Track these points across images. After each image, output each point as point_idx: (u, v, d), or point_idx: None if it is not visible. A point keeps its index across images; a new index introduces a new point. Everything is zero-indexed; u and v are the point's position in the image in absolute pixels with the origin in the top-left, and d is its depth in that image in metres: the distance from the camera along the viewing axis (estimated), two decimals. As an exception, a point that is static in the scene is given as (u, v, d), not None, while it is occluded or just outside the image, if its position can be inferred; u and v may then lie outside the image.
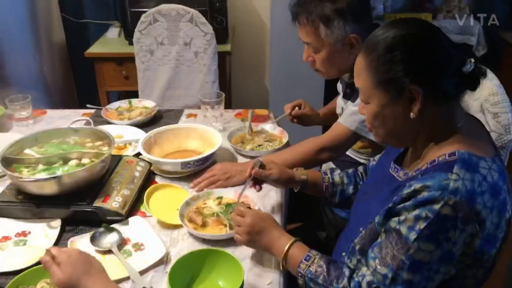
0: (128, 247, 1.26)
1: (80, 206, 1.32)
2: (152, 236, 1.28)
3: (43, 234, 1.30)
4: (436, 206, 0.89)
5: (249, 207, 1.34)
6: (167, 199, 1.42)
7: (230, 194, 1.42)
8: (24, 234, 1.31)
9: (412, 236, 0.91)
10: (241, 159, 1.67)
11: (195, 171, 1.55)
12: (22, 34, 2.85)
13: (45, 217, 1.34)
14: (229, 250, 1.14)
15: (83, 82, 3.21)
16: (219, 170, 1.52)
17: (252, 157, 1.65)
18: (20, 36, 2.83)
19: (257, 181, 1.36)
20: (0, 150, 1.40)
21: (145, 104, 2.04)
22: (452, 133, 0.99)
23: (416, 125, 1.00)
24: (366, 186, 1.26)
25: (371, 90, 1.00)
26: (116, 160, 1.52)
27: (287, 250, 1.10)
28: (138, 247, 1.26)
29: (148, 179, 1.53)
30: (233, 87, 3.52)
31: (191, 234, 1.28)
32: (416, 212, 0.90)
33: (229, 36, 3.01)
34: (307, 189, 1.39)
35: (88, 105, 2.02)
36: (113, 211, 1.32)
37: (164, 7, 2.62)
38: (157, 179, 1.55)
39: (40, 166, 1.40)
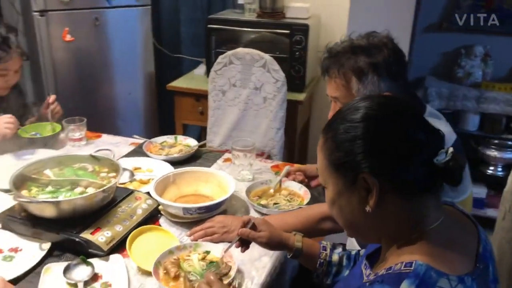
0: (96, 284, 1.24)
1: (68, 233, 1.34)
2: (123, 279, 1.25)
3: (31, 254, 1.34)
4: None
5: (228, 271, 1.25)
6: (155, 242, 1.39)
7: (219, 251, 1.35)
8: (15, 250, 1.36)
9: None
10: (254, 214, 1.59)
11: (199, 218, 1.51)
12: (113, 64, 3.11)
13: (39, 238, 1.39)
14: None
15: (165, 112, 3.38)
16: (218, 223, 1.46)
17: (263, 214, 1.57)
18: (110, 66, 3.08)
19: (245, 241, 1.28)
20: (27, 164, 1.51)
21: (188, 142, 2.06)
22: (419, 236, 0.83)
23: (376, 220, 0.85)
24: (345, 276, 1.11)
25: (326, 173, 0.88)
26: (126, 193, 1.54)
27: None
28: (105, 286, 1.24)
29: (151, 218, 1.52)
30: (311, 139, 3.44)
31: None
32: None
33: (306, 86, 2.96)
34: (300, 259, 1.27)
35: (134, 136, 2.10)
36: (97, 245, 1.32)
37: (240, 50, 2.67)
38: (161, 220, 1.54)
39: (49, 188, 1.46)
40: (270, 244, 1.25)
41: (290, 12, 2.96)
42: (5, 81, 1.96)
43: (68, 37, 2.85)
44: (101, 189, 1.41)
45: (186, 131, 3.26)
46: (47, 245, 1.36)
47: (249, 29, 2.94)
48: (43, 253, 1.34)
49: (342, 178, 0.85)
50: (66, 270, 1.26)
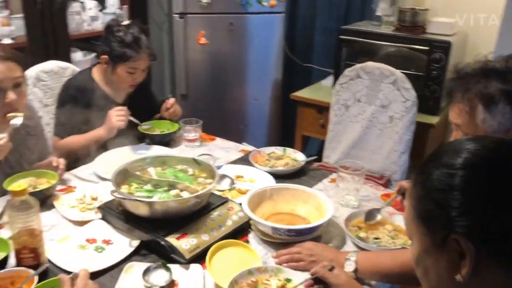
0: (170, 291, 1.22)
1: (156, 235, 1.35)
2: (197, 291, 1.21)
3: (120, 249, 1.37)
4: None
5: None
6: (237, 259, 1.33)
7: (301, 280, 1.24)
8: (107, 242, 1.41)
9: None
10: (350, 246, 1.45)
11: (289, 240, 1.41)
12: (242, 69, 3.15)
13: (131, 234, 1.42)
14: None
15: (287, 121, 3.33)
16: (307, 250, 1.34)
17: (360, 248, 1.41)
18: (240, 70, 3.13)
19: (318, 282, 1.16)
20: (132, 161, 1.57)
21: (296, 156, 1.97)
22: None
23: None
24: None
25: (411, 225, 0.73)
26: (220, 202, 1.51)
27: None
28: (178, 296, 1.21)
29: (240, 232, 1.46)
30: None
31: (231, 306, 1.16)
32: None
33: (440, 108, 2.68)
34: None
35: (244, 143, 2.07)
36: (180, 251, 1.30)
37: (370, 64, 2.51)
38: (250, 235, 1.47)
39: (147, 186, 1.49)
40: None
41: (432, 27, 2.71)
42: (133, 79, 2.07)
43: (203, 40, 2.96)
44: (194, 194, 1.40)
45: (305, 143, 3.18)
46: (136, 243, 1.38)
47: (383, 43, 2.76)
48: (131, 250, 1.36)
49: (429, 235, 0.69)
50: (146, 272, 1.26)
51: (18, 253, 1.22)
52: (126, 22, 2.08)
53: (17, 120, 1.58)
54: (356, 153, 2.61)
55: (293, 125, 3.11)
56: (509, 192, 0.64)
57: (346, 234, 1.48)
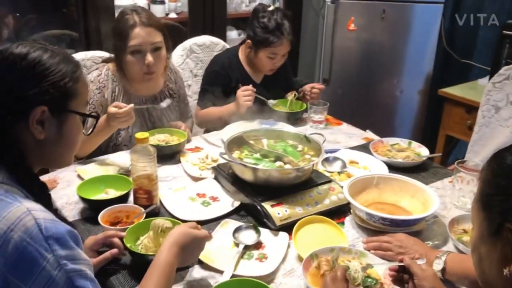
0: (255, 251, 1.30)
1: (253, 199, 1.44)
2: (279, 257, 1.27)
3: (223, 206, 1.50)
4: None
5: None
6: (325, 236, 1.35)
7: (383, 269, 1.22)
8: (214, 199, 1.54)
9: None
10: (450, 247, 1.36)
11: (383, 230, 1.38)
12: (391, 59, 3.05)
13: (234, 195, 1.53)
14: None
15: (430, 119, 3.14)
16: (397, 241, 1.30)
17: (458, 251, 1.32)
18: (388, 60, 3.04)
19: (403, 271, 1.13)
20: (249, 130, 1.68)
21: (420, 151, 1.88)
22: None
23: None
24: None
25: (474, 209, 0.69)
26: (322, 180, 1.54)
27: None
28: (262, 256, 1.29)
29: (337, 212, 1.47)
30: None
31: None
32: None
33: None
34: None
35: (368, 130, 2.04)
36: (272, 217, 1.37)
37: (530, 64, 2.23)
38: (348, 218, 1.47)
39: (256, 155, 1.58)
40: None
41: None
42: (273, 64, 2.17)
43: (352, 26, 2.94)
44: (295, 167, 1.45)
45: (449, 143, 2.97)
46: (237, 203, 1.49)
47: (554, 41, 2.42)
48: (231, 209, 1.47)
49: (487, 221, 0.65)
50: (236, 230, 1.36)
51: (135, 192, 1.42)
52: (271, 8, 2.17)
53: (165, 102, 1.86)
54: (501, 160, 2.37)
55: (438, 123, 2.92)
56: None
57: (449, 235, 1.39)
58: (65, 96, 0.95)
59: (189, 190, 1.59)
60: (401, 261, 1.15)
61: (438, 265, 1.20)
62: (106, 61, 1.94)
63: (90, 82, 1.84)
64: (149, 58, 1.77)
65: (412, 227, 1.39)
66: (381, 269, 1.22)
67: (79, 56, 2.08)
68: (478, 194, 0.69)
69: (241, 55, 2.27)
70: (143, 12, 1.81)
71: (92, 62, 2.08)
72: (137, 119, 1.90)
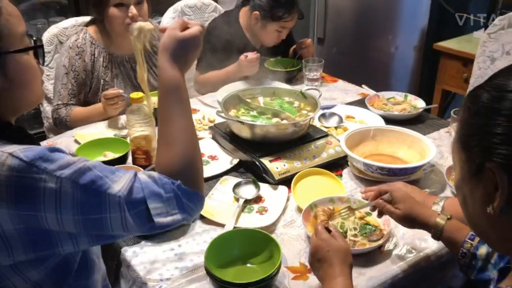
0: (255, 205, 1.32)
1: (252, 155, 1.44)
2: (278, 209, 1.29)
3: (222, 164, 1.51)
4: None
5: (380, 238, 1.16)
6: (324, 187, 1.37)
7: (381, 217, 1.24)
8: (212, 157, 1.55)
9: None
10: (448, 193, 1.38)
11: (381, 179, 1.40)
12: (385, 15, 3.01)
13: (232, 153, 1.54)
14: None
15: (426, 74, 3.13)
16: (396, 189, 1.31)
17: (455, 194, 1.34)
18: (382, 16, 3.00)
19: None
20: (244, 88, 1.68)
21: (416, 103, 1.88)
22: None
23: (502, 227, 0.63)
24: None
25: (454, 150, 0.69)
26: (320, 135, 1.54)
27: None
28: (261, 210, 1.31)
29: (335, 165, 1.49)
30: None
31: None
32: None
33: None
34: (442, 240, 1.06)
35: (363, 86, 2.03)
36: (271, 172, 1.39)
37: (527, 12, 2.21)
38: (345, 171, 1.49)
39: (253, 113, 1.59)
40: (405, 221, 1.10)
41: None
42: (278, 37, 2.14)
43: (345, -17, 2.89)
44: (292, 122, 1.46)
45: (446, 98, 2.98)
46: (235, 161, 1.50)
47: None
48: (230, 166, 1.49)
49: (468, 162, 0.65)
50: (236, 186, 1.37)
51: (133, 153, 1.43)
52: None
53: None
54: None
55: (434, 78, 2.92)
56: None
57: (447, 184, 1.41)
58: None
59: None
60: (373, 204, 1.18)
61: (435, 209, 1.22)
62: (86, 25, 1.93)
63: (69, 49, 1.84)
64: (133, 10, 1.76)
65: (410, 176, 1.41)
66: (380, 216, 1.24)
67: (69, 22, 2.06)
68: (456, 135, 0.68)
69: (242, 19, 2.22)
70: None
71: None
72: (126, 81, 1.91)
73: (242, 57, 2.03)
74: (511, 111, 0.60)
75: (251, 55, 2.02)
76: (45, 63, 2.04)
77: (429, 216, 1.07)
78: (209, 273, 1.01)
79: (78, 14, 2.31)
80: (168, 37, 0.93)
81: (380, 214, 1.18)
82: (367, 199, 1.32)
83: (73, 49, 1.84)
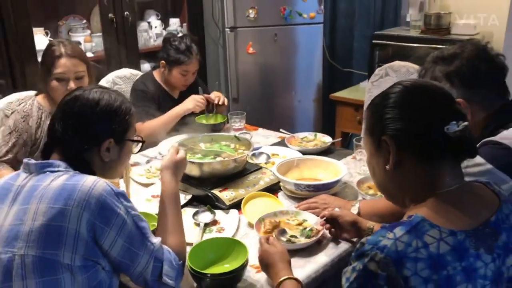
0: (214, 227, 1.61)
1: (203, 189, 1.74)
2: (233, 226, 1.59)
3: (177, 201, 1.78)
4: (365, 260, 0.89)
5: (316, 234, 1.49)
6: (266, 206, 1.69)
7: (314, 220, 1.58)
8: (168, 197, 1.81)
9: (344, 285, 0.94)
10: (360, 201, 1.77)
11: (308, 195, 1.75)
12: (287, 75, 3.54)
13: (185, 191, 1.82)
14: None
15: (327, 120, 3.67)
16: (321, 200, 1.68)
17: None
18: (284, 76, 3.52)
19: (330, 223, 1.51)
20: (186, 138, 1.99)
21: (325, 140, 2.31)
22: (428, 197, 0.96)
23: (397, 180, 1.01)
24: None
25: (365, 139, 1.07)
26: (255, 168, 1.89)
27: (279, 283, 1.22)
28: (220, 229, 1.59)
29: (271, 190, 1.82)
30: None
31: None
32: (353, 263, 0.93)
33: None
34: None
35: (281, 130, 2.45)
36: (222, 199, 1.69)
37: (396, 63, 2.80)
38: (280, 194, 1.83)
39: (198, 155, 1.90)
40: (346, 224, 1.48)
41: (456, 29, 2.98)
42: (185, 80, 2.53)
43: (251, 50, 3.38)
44: (232, 158, 1.79)
45: (345, 138, 3.49)
46: (189, 196, 1.78)
47: (411, 44, 3.05)
48: (185, 201, 1.76)
49: (373, 142, 1.03)
50: (195, 214, 1.65)
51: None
52: (180, 34, 2.55)
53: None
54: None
55: (333, 123, 3.44)
56: (418, 107, 0.97)
57: (359, 193, 1.81)
58: (125, 129, 1.27)
59: (144, 194, 1.84)
60: (323, 217, 1.52)
61: (354, 211, 1.60)
62: (36, 94, 2.14)
63: (16, 113, 2.05)
64: (72, 85, 1.99)
65: (330, 191, 1.79)
66: (313, 220, 1.58)
67: (14, 97, 2.25)
68: (365, 127, 1.07)
69: (157, 76, 2.59)
70: (69, 44, 2.06)
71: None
72: None
73: (194, 95, 2.43)
74: (393, 103, 0.99)
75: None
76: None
77: (362, 221, 1.47)
78: (193, 270, 1.27)
79: (15, 91, 2.49)
80: (169, 160, 1.40)
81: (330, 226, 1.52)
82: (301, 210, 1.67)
83: (20, 113, 2.04)
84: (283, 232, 1.52)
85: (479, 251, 0.90)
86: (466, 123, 0.93)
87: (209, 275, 1.26)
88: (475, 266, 0.89)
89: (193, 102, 2.42)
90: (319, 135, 2.37)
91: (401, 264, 0.86)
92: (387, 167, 1.00)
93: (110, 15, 3.03)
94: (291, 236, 1.51)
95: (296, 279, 1.23)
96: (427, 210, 0.93)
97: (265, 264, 1.29)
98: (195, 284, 1.31)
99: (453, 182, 0.96)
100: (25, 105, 2.07)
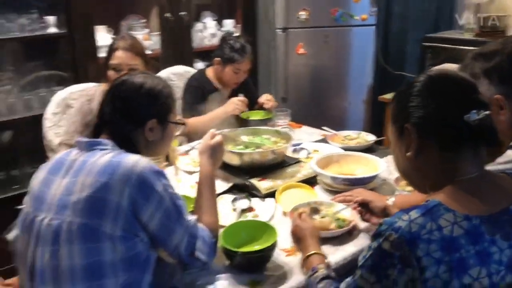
0: (249, 213, 1.68)
1: (243, 178, 1.82)
2: (268, 214, 1.65)
3: (219, 188, 1.86)
4: (380, 239, 0.93)
5: (348, 224, 1.53)
6: (301, 196, 1.75)
7: (348, 212, 1.62)
8: (209, 184, 1.91)
9: (360, 262, 0.99)
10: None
11: (345, 189, 1.78)
12: (337, 76, 3.56)
13: (227, 179, 1.90)
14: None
15: (376, 122, 3.65)
16: (357, 193, 1.71)
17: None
18: (334, 77, 3.55)
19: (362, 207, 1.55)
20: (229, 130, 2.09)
21: (368, 138, 2.33)
22: (448, 184, 0.98)
23: (419, 169, 1.03)
24: None
25: (389, 127, 1.10)
26: (294, 161, 1.95)
27: (307, 257, 1.29)
28: (255, 215, 1.66)
29: (309, 183, 1.87)
30: None
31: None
32: (370, 243, 0.98)
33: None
34: None
35: (323, 128, 2.48)
36: (258, 188, 1.76)
37: (446, 66, 2.77)
38: (317, 187, 1.88)
39: (240, 146, 1.98)
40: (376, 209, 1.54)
41: (513, 31, 2.89)
42: (237, 78, 2.62)
43: (301, 51, 3.44)
44: (271, 149, 1.86)
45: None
46: (229, 184, 1.87)
47: (463, 47, 2.99)
48: (225, 189, 1.84)
49: (396, 130, 1.06)
50: (233, 200, 1.73)
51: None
52: (236, 34, 2.66)
53: None
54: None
55: (382, 125, 3.42)
56: (441, 97, 0.99)
57: (396, 190, 1.82)
58: (167, 111, 1.37)
59: (188, 181, 1.95)
60: (356, 202, 1.56)
61: (390, 202, 1.62)
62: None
63: (81, 97, 2.21)
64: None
65: (367, 185, 1.81)
66: (347, 213, 1.61)
67: (76, 87, 2.43)
68: (390, 119, 1.10)
69: (210, 74, 2.69)
70: (129, 39, 2.21)
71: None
72: None
73: (233, 98, 2.49)
74: (417, 92, 1.02)
75: (241, 97, 2.49)
76: (54, 123, 2.39)
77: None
78: (225, 249, 1.35)
79: (77, 83, 2.68)
80: (205, 144, 1.49)
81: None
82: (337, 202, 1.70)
83: (84, 96, 2.21)
84: (315, 210, 1.57)
85: (495, 236, 0.91)
86: (487, 112, 0.94)
87: (239, 253, 1.33)
88: (490, 251, 0.90)
89: (232, 105, 2.50)
90: (363, 133, 2.38)
91: (414, 245, 0.89)
92: (408, 154, 1.03)
93: (168, 15, 3.19)
94: (322, 217, 1.55)
95: (323, 255, 1.29)
96: (444, 196, 0.96)
97: (297, 238, 1.37)
98: (227, 262, 1.38)
99: (473, 170, 0.98)
100: (90, 90, 2.24)
